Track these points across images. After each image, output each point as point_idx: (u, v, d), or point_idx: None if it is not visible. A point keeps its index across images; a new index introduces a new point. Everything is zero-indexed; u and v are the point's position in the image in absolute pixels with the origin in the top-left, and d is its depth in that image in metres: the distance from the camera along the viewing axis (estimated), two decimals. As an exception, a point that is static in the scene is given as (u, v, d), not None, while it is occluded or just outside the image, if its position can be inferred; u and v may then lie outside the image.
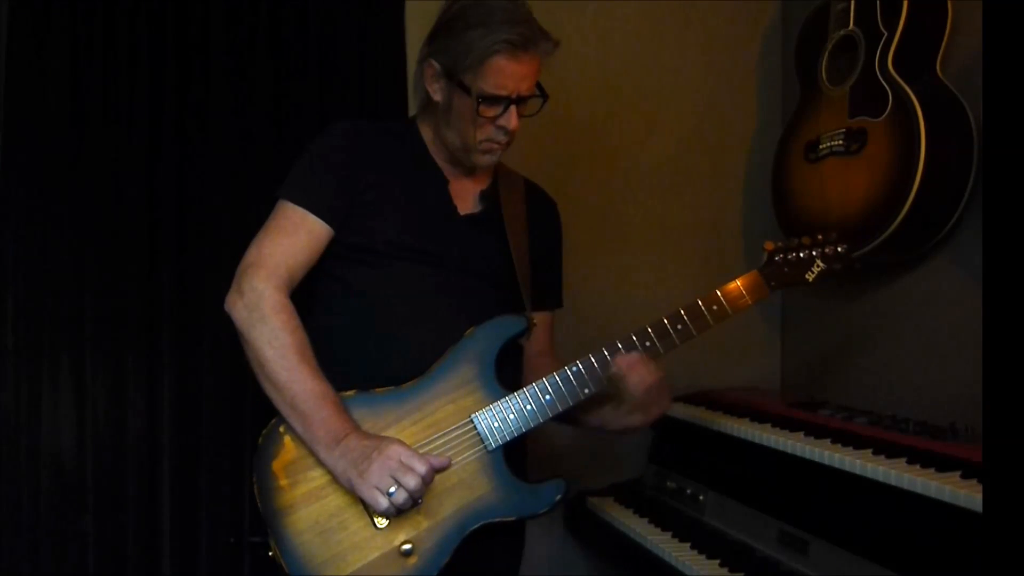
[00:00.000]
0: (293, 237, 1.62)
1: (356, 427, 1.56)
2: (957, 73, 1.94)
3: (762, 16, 2.62)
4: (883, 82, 1.97)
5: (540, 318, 1.87)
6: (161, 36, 2.18)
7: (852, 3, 2.06)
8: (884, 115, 1.96)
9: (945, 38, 1.95)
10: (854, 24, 2.06)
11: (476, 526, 1.60)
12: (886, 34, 1.97)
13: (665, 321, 1.67)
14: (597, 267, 2.51)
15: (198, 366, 2.21)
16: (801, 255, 1.72)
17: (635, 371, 1.63)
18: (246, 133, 2.23)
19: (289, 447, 1.59)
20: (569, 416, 1.71)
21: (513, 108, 1.62)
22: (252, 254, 1.62)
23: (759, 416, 2.01)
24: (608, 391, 1.67)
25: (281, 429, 1.60)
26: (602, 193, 2.54)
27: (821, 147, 2.12)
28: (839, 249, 1.73)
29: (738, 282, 1.70)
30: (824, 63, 2.15)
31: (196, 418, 2.22)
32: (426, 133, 1.75)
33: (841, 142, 2.05)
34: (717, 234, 2.58)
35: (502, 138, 1.66)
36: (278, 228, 1.63)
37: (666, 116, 2.58)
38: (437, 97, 1.67)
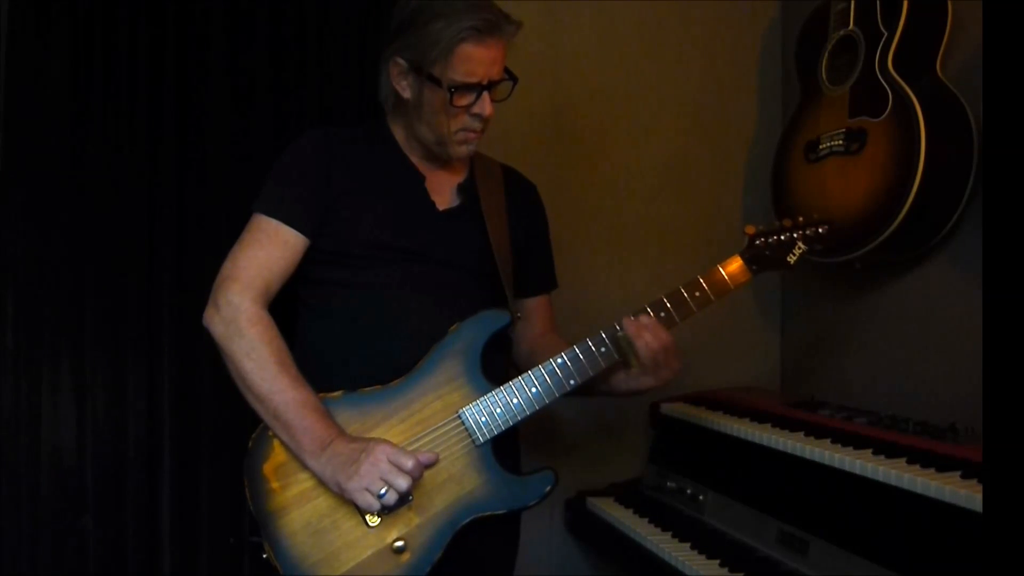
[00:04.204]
0: (268, 249, 1.63)
1: (341, 432, 1.56)
2: (957, 73, 1.94)
3: (762, 16, 2.62)
4: (883, 82, 1.97)
5: (537, 301, 1.88)
6: (161, 37, 2.18)
7: (852, 3, 2.06)
8: (884, 115, 1.96)
9: (945, 38, 1.95)
10: (854, 24, 2.06)
11: (467, 520, 1.61)
12: (886, 34, 1.97)
13: (648, 309, 1.67)
14: (596, 267, 2.51)
15: (198, 366, 2.20)
16: (782, 238, 1.72)
17: (644, 334, 1.63)
18: (246, 133, 2.23)
19: (278, 450, 1.60)
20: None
21: (486, 94, 1.63)
22: (227, 268, 1.63)
23: (759, 416, 2.01)
24: (617, 356, 1.67)
25: (270, 432, 1.61)
26: (601, 194, 2.54)
27: (821, 147, 2.12)
28: (819, 231, 1.73)
29: (720, 267, 1.71)
30: (824, 63, 2.15)
31: (196, 418, 2.21)
32: (398, 132, 1.75)
33: (841, 142, 2.05)
34: (717, 234, 2.57)
35: (477, 126, 1.67)
36: (252, 241, 1.64)
37: (666, 116, 2.58)
38: (406, 94, 1.67)
